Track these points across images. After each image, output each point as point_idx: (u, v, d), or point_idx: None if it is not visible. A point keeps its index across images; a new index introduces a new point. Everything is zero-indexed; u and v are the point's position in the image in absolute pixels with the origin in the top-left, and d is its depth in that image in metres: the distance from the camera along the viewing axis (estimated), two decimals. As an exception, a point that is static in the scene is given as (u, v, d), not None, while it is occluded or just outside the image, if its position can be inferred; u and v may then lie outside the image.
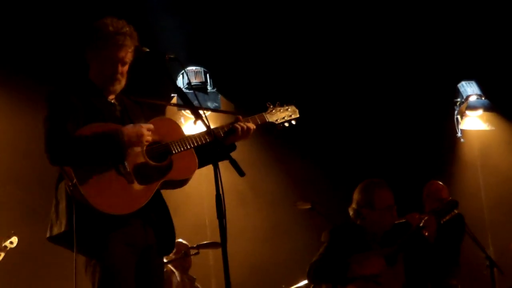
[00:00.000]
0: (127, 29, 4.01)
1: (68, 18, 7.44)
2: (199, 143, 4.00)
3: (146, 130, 3.85)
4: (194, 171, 4.04)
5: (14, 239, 6.65)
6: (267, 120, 4.35)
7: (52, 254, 3.92)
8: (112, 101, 4.08)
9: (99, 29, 3.99)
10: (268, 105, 4.39)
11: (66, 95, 3.89)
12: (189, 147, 3.99)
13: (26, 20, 7.46)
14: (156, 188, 3.92)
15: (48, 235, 3.87)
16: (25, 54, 7.40)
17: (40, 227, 4.04)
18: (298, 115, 4.46)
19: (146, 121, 4.09)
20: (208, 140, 4.00)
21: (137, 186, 3.83)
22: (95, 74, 4.05)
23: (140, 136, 3.82)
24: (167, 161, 3.95)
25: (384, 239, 5.62)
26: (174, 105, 7.58)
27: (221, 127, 4.13)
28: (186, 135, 4.06)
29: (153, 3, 8.07)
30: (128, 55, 4.02)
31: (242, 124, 4.17)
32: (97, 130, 3.80)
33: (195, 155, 4.05)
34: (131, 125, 3.87)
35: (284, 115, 4.40)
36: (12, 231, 6.68)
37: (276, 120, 4.38)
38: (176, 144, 3.97)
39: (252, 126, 4.21)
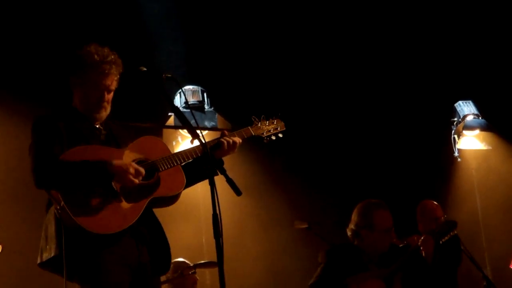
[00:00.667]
0: (112, 57, 4.04)
1: (64, 36, 7.48)
2: (186, 159, 4.04)
3: (134, 170, 3.82)
4: (182, 187, 4.06)
5: None
6: (253, 134, 4.41)
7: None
8: (97, 126, 4.09)
9: (84, 57, 4.02)
10: (253, 119, 4.46)
11: (52, 121, 3.92)
12: (175, 164, 4.01)
13: (19, 41, 7.46)
14: (145, 205, 3.91)
15: (38, 261, 3.88)
16: (18, 75, 7.40)
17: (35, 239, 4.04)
18: (284, 128, 4.51)
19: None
20: (194, 156, 4.05)
21: (125, 204, 3.84)
22: (80, 101, 4.07)
23: (126, 171, 3.79)
24: (154, 179, 3.96)
25: (381, 260, 5.60)
26: (165, 127, 7.61)
27: (207, 142, 4.14)
28: (172, 153, 4.08)
29: (151, 23, 8.08)
30: (113, 83, 4.06)
31: (228, 138, 4.22)
32: (83, 156, 3.80)
33: (182, 171, 4.07)
34: (121, 160, 3.86)
35: (270, 128, 4.46)
36: None
37: (262, 134, 4.43)
38: (163, 161, 3.98)
39: (238, 140, 4.26)
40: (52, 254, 3.76)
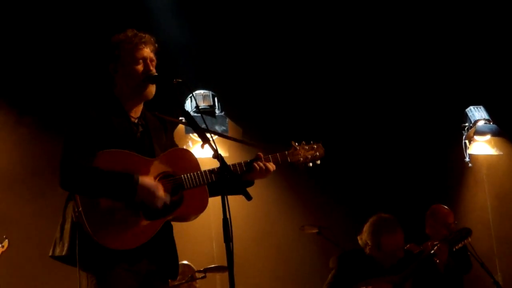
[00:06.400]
0: (143, 33, 4.04)
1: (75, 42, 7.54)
2: (214, 179, 3.93)
3: (161, 193, 3.79)
4: (203, 209, 3.99)
5: (5, 243, 6.68)
6: (289, 161, 4.22)
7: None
8: (136, 121, 4.04)
9: (117, 38, 4.02)
10: (293, 144, 4.25)
11: (88, 111, 3.87)
12: (202, 183, 3.93)
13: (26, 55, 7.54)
14: (162, 224, 3.87)
15: (50, 253, 3.88)
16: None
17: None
18: (323, 155, 4.32)
19: (169, 141, 4.12)
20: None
21: (143, 221, 3.80)
22: (121, 86, 4.01)
23: (153, 194, 3.76)
24: (177, 196, 3.91)
25: (393, 265, 5.60)
26: (198, 128, 7.59)
27: (239, 164, 4.05)
28: (201, 170, 3.98)
29: (162, 27, 8.11)
30: (151, 54, 4.02)
31: (261, 164, 4.08)
32: (113, 165, 3.77)
33: (207, 192, 3.99)
34: (149, 181, 3.80)
35: (308, 154, 4.26)
36: (4, 236, 6.69)
37: (299, 160, 4.23)
38: (190, 178, 3.91)
39: (272, 167, 4.11)
40: (63, 254, 3.76)
